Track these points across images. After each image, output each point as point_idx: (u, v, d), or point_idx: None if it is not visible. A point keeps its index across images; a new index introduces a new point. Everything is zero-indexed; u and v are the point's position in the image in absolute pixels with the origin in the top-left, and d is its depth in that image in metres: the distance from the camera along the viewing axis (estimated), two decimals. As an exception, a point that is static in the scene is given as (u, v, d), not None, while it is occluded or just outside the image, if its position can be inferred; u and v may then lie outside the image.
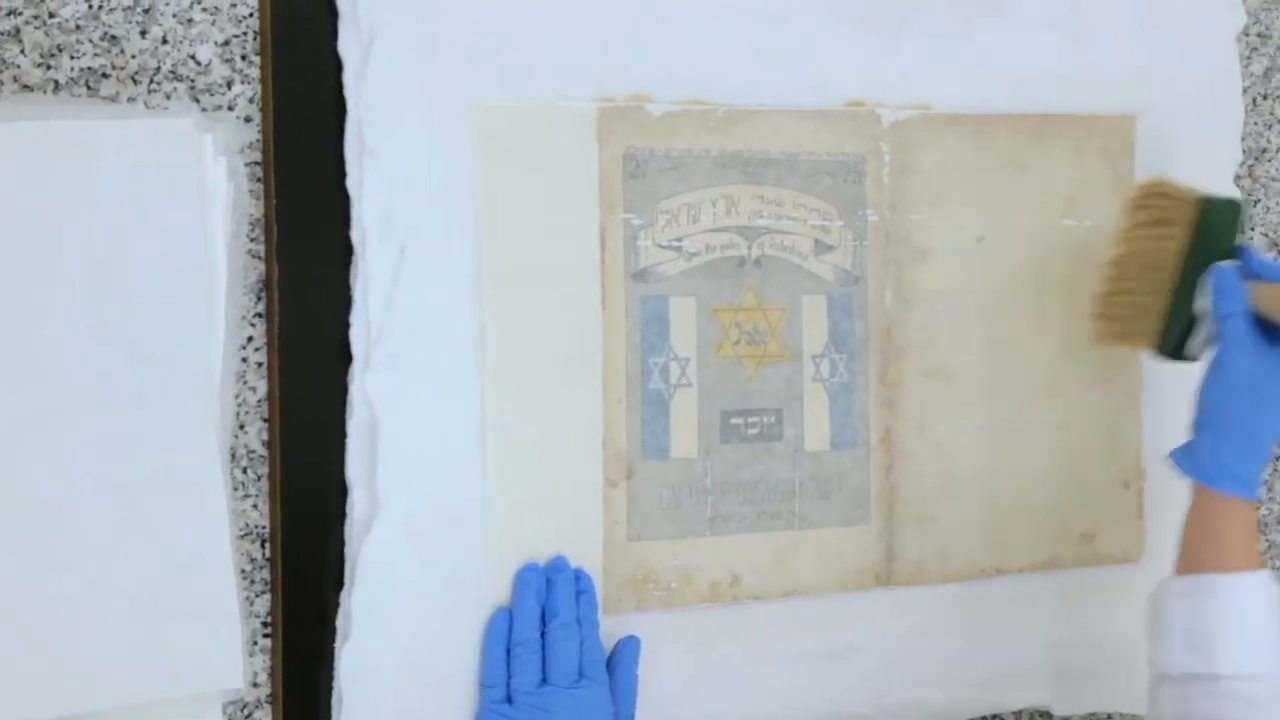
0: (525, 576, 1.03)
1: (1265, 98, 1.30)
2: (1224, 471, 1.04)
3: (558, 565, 1.04)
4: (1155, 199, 1.13)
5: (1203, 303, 1.08)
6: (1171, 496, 1.23)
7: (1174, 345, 1.11)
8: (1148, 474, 1.23)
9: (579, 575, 1.05)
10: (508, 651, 1.02)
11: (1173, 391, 1.23)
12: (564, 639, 1.02)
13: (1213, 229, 1.09)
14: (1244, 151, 1.28)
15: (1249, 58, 1.29)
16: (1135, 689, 1.22)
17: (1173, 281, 1.10)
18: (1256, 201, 1.30)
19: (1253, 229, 1.30)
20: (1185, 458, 1.07)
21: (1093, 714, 1.25)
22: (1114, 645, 1.22)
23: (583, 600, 1.04)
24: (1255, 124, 1.30)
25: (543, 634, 1.02)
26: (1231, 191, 1.26)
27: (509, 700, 1.01)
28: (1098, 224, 1.21)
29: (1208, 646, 1.03)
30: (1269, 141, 1.31)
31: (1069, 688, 1.22)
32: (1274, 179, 1.31)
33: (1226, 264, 1.08)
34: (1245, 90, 1.28)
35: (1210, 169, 1.25)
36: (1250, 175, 1.30)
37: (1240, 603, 1.03)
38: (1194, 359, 1.10)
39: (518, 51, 1.05)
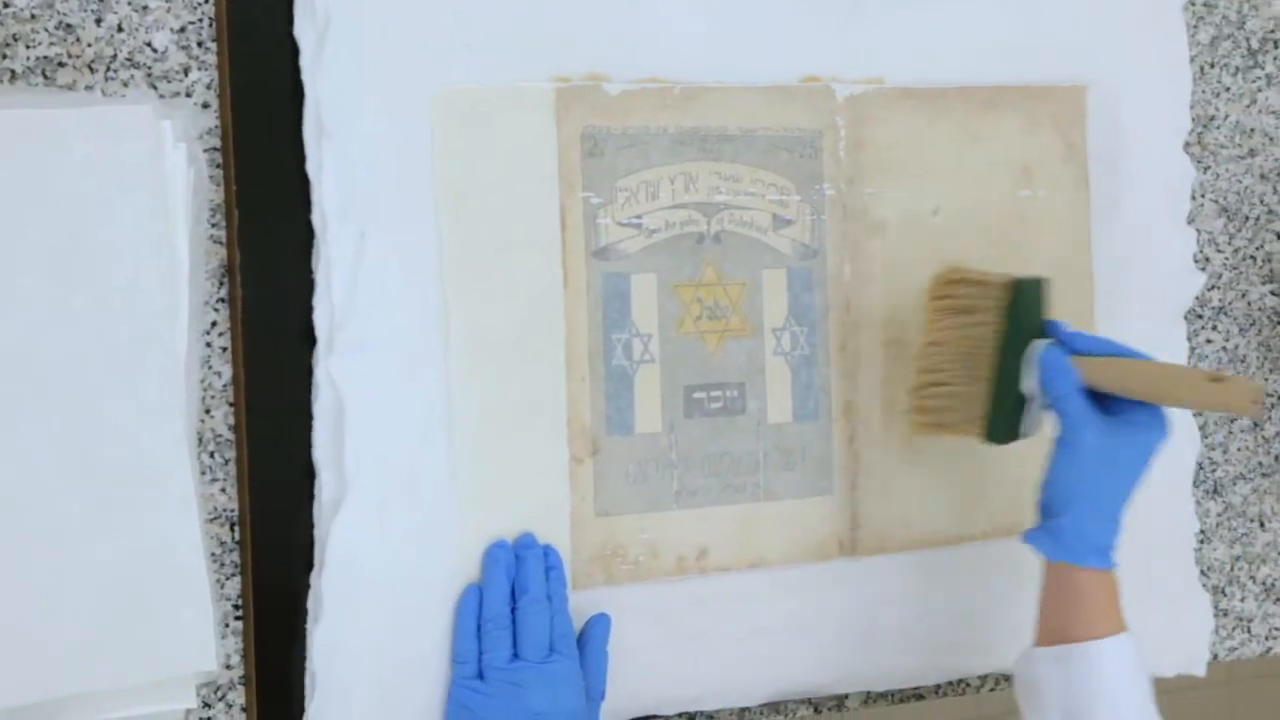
0: (494, 554, 1.04)
1: (1212, 66, 1.32)
2: (1091, 548, 1.05)
3: (526, 542, 1.05)
4: (956, 287, 1.15)
5: (1029, 384, 1.08)
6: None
7: (1004, 431, 1.11)
8: (1105, 439, 1.25)
9: (547, 551, 1.06)
10: (478, 628, 1.03)
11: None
12: (534, 614, 1.02)
13: (1025, 309, 1.10)
14: (1193, 119, 1.30)
15: (1195, 26, 1.31)
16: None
17: (992, 368, 1.10)
18: (1206, 169, 1.32)
19: (1203, 196, 1.32)
20: (1047, 541, 1.07)
21: (1057, 677, 1.26)
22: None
23: (552, 576, 1.05)
24: (1203, 92, 1.31)
25: (513, 610, 1.03)
26: (1181, 159, 1.28)
27: (481, 676, 1.02)
28: (1052, 194, 1.22)
29: (1083, 714, 1.04)
30: (1217, 109, 1.32)
31: (1033, 652, 1.24)
32: (1223, 146, 1.33)
33: (1044, 343, 1.08)
34: (1193, 59, 1.30)
35: (1160, 137, 1.27)
36: (1199, 143, 1.31)
37: (1112, 668, 1.04)
38: (1026, 437, 1.11)
39: (474, 33, 1.05)
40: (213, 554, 1.01)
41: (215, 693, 1.01)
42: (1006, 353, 1.10)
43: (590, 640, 1.06)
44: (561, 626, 1.04)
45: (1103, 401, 1.07)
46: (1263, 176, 1.35)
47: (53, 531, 0.93)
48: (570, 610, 1.05)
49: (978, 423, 1.12)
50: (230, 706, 1.02)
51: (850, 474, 1.16)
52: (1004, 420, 1.11)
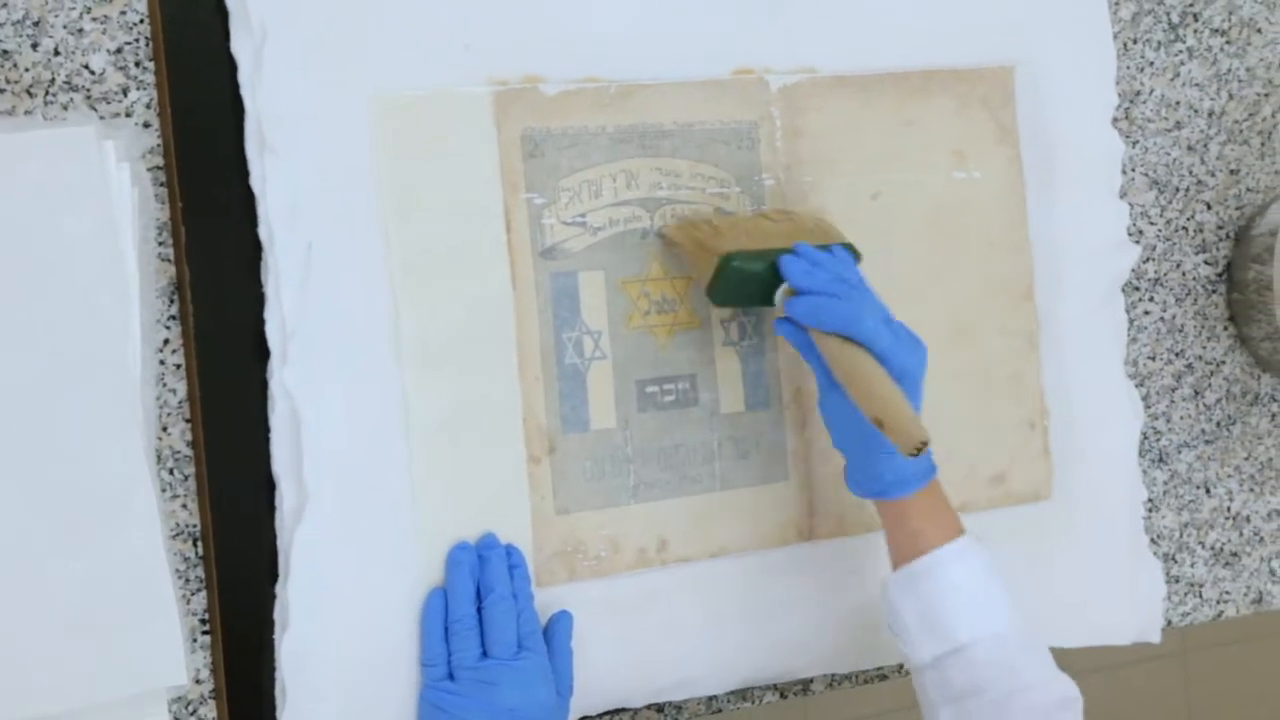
0: (457, 555, 1.05)
1: (1135, 42, 1.34)
2: (888, 484, 1.07)
3: (488, 543, 1.06)
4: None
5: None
6: (1076, 433, 1.27)
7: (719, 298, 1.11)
8: (1051, 414, 1.27)
9: (510, 550, 1.06)
10: (446, 630, 1.03)
11: (1068, 332, 1.27)
12: (501, 613, 1.03)
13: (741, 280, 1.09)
14: (1119, 95, 1.32)
15: (1117, 3, 1.33)
16: (1057, 624, 1.26)
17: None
18: (1135, 143, 1.34)
19: (1134, 170, 1.34)
20: (852, 484, 1.09)
21: (1017, 649, 1.27)
22: (1030, 581, 1.25)
23: (516, 574, 1.06)
24: (1128, 68, 1.34)
25: (478, 610, 1.04)
26: (1110, 135, 1.30)
27: (451, 676, 1.02)
28: (986, 174, 1.24)
29: (942, 624, 1.05)
30: (1142, 84, 1.35)
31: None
32: (1149, 120, 1.35)
33: (782, 297, 1.08)
34: (1116, 36, 1.32)
35: (1088, 114, 1.29)
36: (1127, 118, 1.34)
37: (955, 573, 1.06)
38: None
39: (410, 40, 1.06)
40: (177, 570, 1.01)
41: (187, 707, 1.01)
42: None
43: (554, 636, 1.07)
44: (528, 623, 1.04)
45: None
46: (1190, 148, 1.37)
47: (17, 554, 0.93)
48: (536, 607, 1.06)
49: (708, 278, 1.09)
50: (202, 721, 1.02)
51: (804, 460, 1.18)
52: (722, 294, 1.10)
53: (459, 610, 1.03)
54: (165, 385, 1.01)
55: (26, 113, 0.98)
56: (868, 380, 1.02)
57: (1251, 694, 2.57)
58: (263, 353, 1.02)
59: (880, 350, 1.03)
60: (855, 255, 1.12)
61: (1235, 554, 1.39)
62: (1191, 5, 1.37)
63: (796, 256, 1.07)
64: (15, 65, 0.98)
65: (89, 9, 1.00)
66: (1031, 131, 1.26)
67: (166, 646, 0.97)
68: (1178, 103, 1.36)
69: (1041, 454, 1.26)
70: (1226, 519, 1.39)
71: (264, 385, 1.02)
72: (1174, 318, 1.37)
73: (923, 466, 1.07)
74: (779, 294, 1.08)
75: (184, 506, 1.02)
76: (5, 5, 0.98)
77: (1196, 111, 1.37)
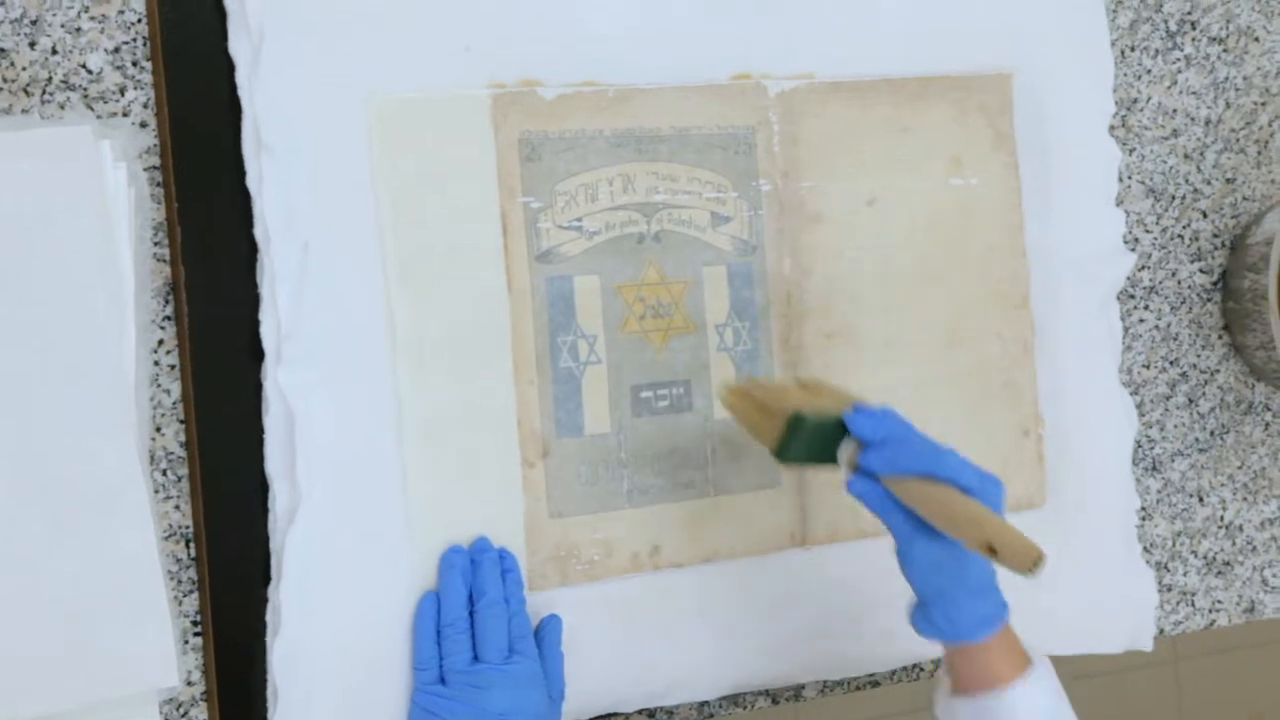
0: (450, 559, 1.05)
1: (1133, 49, 1.34)
2: (966, 629, 1.03)
3: (481, 546, 1.06)
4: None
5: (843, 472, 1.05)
6: (1070, 440, 1.27)
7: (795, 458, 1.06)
8: (1045, 421, 1.27)
9: (503, 554, 1.06)
10: (438, 634, 1.03)
11: (1063, 340, 1.27)
12: (493, 617, 1.03)
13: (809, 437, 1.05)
14: (1116, 103, 1.32)
15: (1115, 11, 1.33)
16: (1049, 631, 1.26)
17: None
18: (1132, 151, 1.34)
19: (1130, 177, 1.34)
20: (928, 627, 1.04)
21: (1009, 657, 1.27)
22: (1023, 589, 1.25)
23: (508, 579, 1.06)
24: (1125, 75, 1.34)
25: (470, 614, 1.04)
26: (1107, 143, 1.30)
27: (443, 680, 1.02)
28: (983, 181, 1.24)
29: None
30: (1139, 92, 1.35)
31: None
32: (1146, 128, 1.35)
33: (849, 451, 1.03)
34: (1114, 43, 1.32)
35: (1085, 121, 1.29)
36: (1124, 125, 1.34)
37: (1032, 708, 1.03)
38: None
39: (408, 43, 1.06)
40: (170, 571, 1.01)
41: (178, 709, 1.01)
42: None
43: (545, 641, 1.07)
44: (520, 628, 1.04)
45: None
46: (1186, 156, 1.37)
47: (10, 553, 0.93)
48: (528, 611, 1.06)
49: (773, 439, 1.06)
50: (193, 723, 1.02)
51: (798, 466, 1.18)
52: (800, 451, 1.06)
53: (451, 614, 1.03)
54: (160, 386, 1.01)
55: (23, 111, 0.98)
56: (965, 511, 0.99)
57: (1243, 701, 2.57)
58: (257, 354, 1.02)
59: (967, 482, 1.00)
60: None
61: (1228, 563, 1.39)
62: (1189, 13, 1.37)
63: (861, 413, 1.04)
64: (13, 64, 0.98)
65: (87, 8, 1.00)
66: (1029, 138, 1.26)
67: (158, 648, 0.97)
68: (1174, 110, 1.36)
69: (1036, 461, 1.26)
70: (1219, 528, 1.39)
71: (259, 386, 1.02)
72: (1169, 326, 1.37)
73: (999, 606, 1.04)
74: (843, 454, 1.04)
75: (177, 507, 1.02)
76: (3, 3, 0.98)
77: (1193, 120, 1.37)
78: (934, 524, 1.00)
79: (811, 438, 1.04)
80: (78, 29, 1.00)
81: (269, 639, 1.01)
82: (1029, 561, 0.96)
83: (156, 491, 1.01)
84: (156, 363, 1.01)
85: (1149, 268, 1.36)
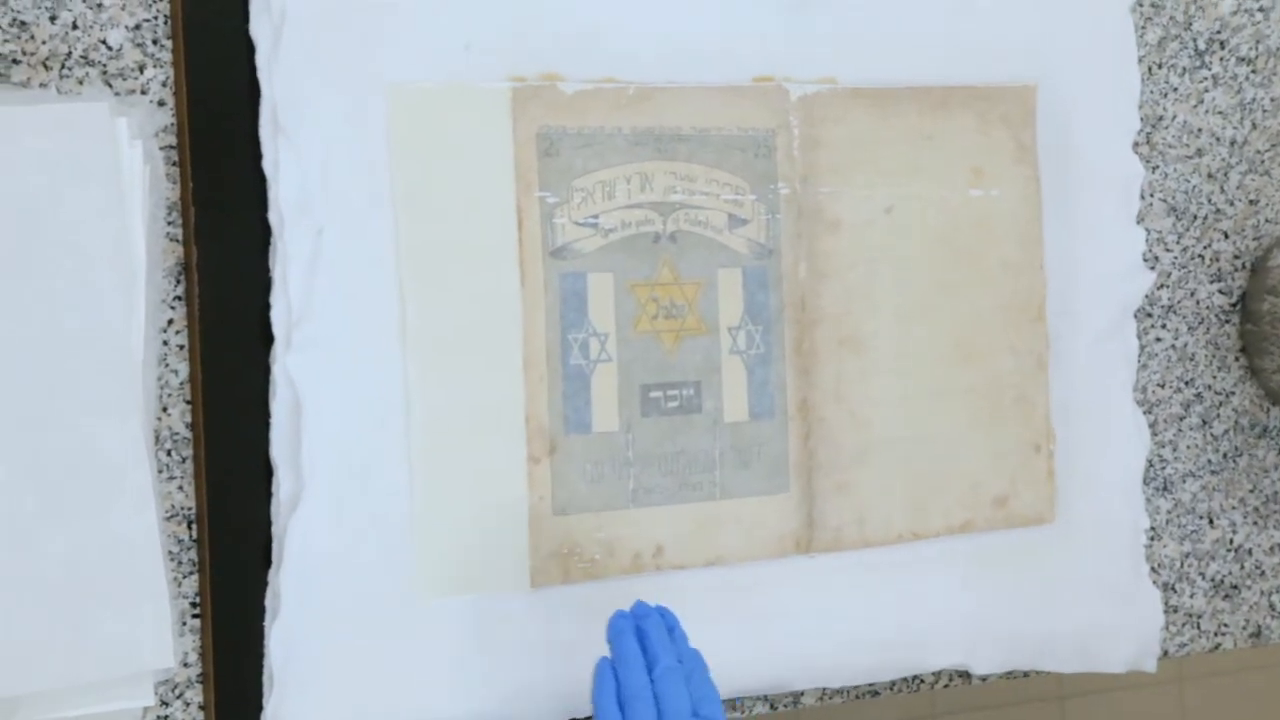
0: (618, 625, 0.99)
1: (1160, 66, 1.34)
2: None
3: (642, 611, 1.01)
4: None
5: None
6: (1082, 457, 1.27)
7: None
8: (1057, 437, 1.26)
9: (663, 613, 1.02)
10: (620, 706, 0.96)
11: (1078, 356, 1.27)
12: (672, 683, 0.96)
13: None
14: (1141, 119, 1.31)
15: (1143, 27, 1.32)
16: (1053, 648, 1.26)
17: None
18: (1155, 168, 1.33)
19: (1152, 195, 1.33)
20: None
21: (1009, 672, 1.27)
22: (1029, 605, 1.25)
23: (675, 635, 1.01)
24: (1151, 92, 1.33)
25: (650, 681, 0.97)
26: (1131, 159, 1.29)
27: None
28: (1003, 193, 1.23)
29: None
30: (1165, 109, 1.34)
31: (986, 648, 1.24)
32: (1170, 146, 1.34)
33: None
34: (1141, 59, 1.31)
35: (1109, 137, 1.28)
36: (1148, 143, 1.33)
37: None
38: None
39: (430, 32, 1.06)
40: (170, 552, 1.01)
41: (173, 690, 1.01)
42: None
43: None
44: (699, 688, 0.97)
45: None
46: (1210, 176, 1.36)
47: (8, 529, 0.93)
48: (707, 670, 1.00)
49: None
50: (188, 705, 1.02)
51: (806, 472, 1.17)
52: None
53: (633, 685, 0.96)
54: (167, 366, 1.01)
55: (41, 85, 0.98)
56: None
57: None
58: (267, 338, 1.02)
59: None
60: None
61: (1235, 587, 1.39)
62: (1219, 33, 1.36)
63: None
64: (33, 37, 0.98)
65: (109, -15, 1.00)
66: (1051, 152, 1.25)
67: (155, 628, 0.97)
68: (1200, 130, 1.35)
69: (1046, 477, 1.26)
70: (1228, 551, 1.38)
71: (267, 371, 1.02)
72: (1185, 346, 1.36)
73: None
74: None
75: (180, 488, 1.01)
76: (25, -23, 0.98)
77: (1219, 140, 1.36)
78: None
79: None
80: (99, 4, 1.00)
81: (267, 623, 1.01)
82: None
83: (160, 471, 1.00)
84: (165, 342, 1.01)
85: (1168, 287, 1.35)
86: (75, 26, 0.99)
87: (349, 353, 1.03)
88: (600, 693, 0.97)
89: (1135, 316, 1.32)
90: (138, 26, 1.01)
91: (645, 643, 0.99)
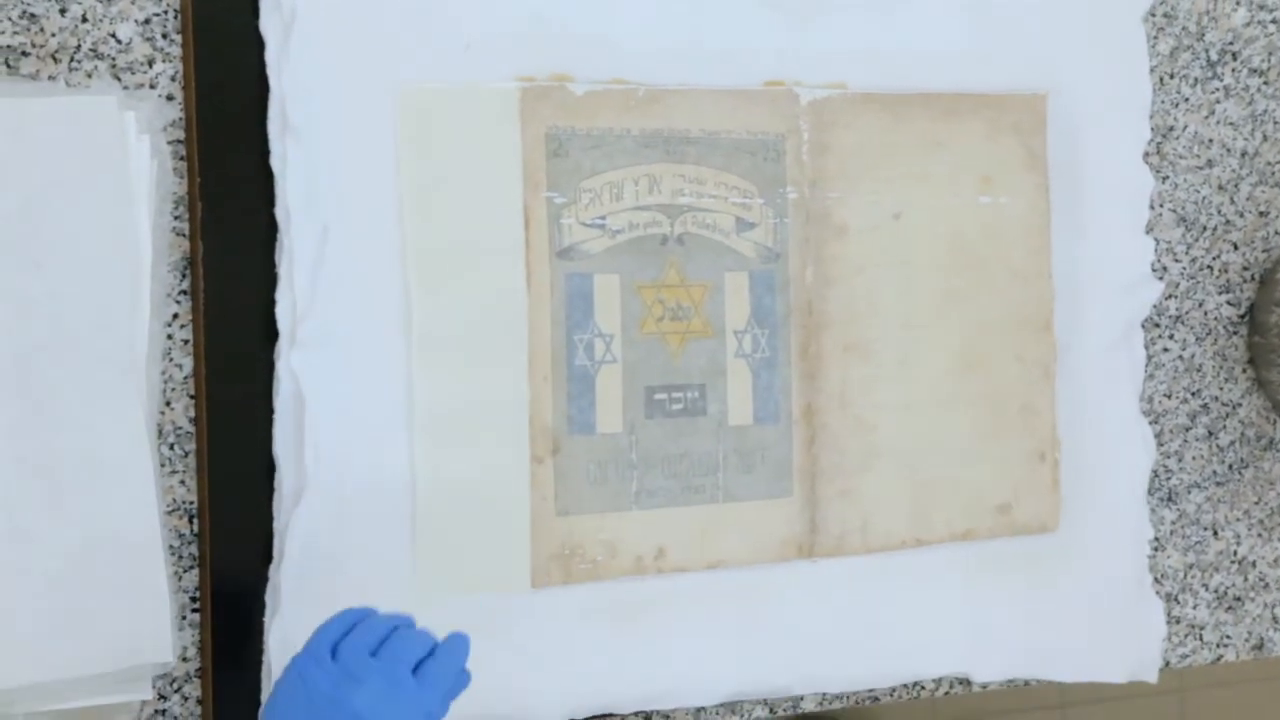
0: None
1: (1172, 76, 1.33)
2: None
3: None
4: None
5: None
6: (1087, 467, 1.26)
7: None
8: (1062, 446, 1.26)
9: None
10: (353, 625, 0.91)
11: (1084, 365, 1.27)
12: (412, 636, 0.91)
13: None
14: (1152, 130, 1.31)
15: (1155, 37, 1.32)
16: (1055, 657, 1.26)
17: None
18: (1165, 179, 1.33)
19: (1162, 205, 1.33)
20: None
21: (1010, 680, 1.27)
22: (1031, 614, 1.25)
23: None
24: (1163, 102, 1.33)
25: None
26: (1141, 169, 1.29)
27: (333, 655, 0.89)
28: (1012, 201, 1.23)
29: None
30: (1176, 120, 1.33)
31: (987, 655, 1.24)
32: (1181, 156, 1.34)
33: None
34: (1153, 69, 1.31)
35: (1120, 147, 1.28)
36: (1159, 153, 1.32)
37: None
38: None
39: (439, 31, 1.06)
40: (171, 546, 1.01)
41: (171, 685, 1.01)
42: None
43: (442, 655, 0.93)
44: (438, 667, 0.91)
45: None
46: (1220, 187, 1.36)
47: (10, 522, 0.93)
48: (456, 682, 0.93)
49: None
50: (186, 699, 1.02)
51: (809, 477, 1.17)
52: None
53: (376, 621, 0.91)
54: (171, 360, 1.01)
55: (50, 78, 0.98)
56: None
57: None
58: (271, 334, 1.02)
59: None
60: None
61: (1239, 598, 1.38)
62: (1231, 44, 1.35)
63: None
64: (42, 30, 0.98)
65: (120, -22, 1.00)
66: (1061, 160, 1.25)
67: (155, 623, 0.97)
68: (1211, 140, 1.35)
69: (1050, 486, 1.25)
70: (1232, 563, 1.38)
71: (270, 366, 1.02)
72: (1193, 357, 1.36)
73: None
74: None
75: (182, 483, 1.01)
76: (36, -31, 0.98)
77: (1229, 151, 1.36)
78: None
79: None
80: (110, -2, 1.00)
81: (267, 619, 1.01)
82: None
83: (162, 465, 1.00)
84: (169, 337, 1.01)
85: (1176, 297, 1.35)
86: (85, 19, 0.99)
87: (353, 350, 1.03)
88: (350, 612, 0.91)
89: (1143, 326, 1.31)
90: (147, 21, 1.01)
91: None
